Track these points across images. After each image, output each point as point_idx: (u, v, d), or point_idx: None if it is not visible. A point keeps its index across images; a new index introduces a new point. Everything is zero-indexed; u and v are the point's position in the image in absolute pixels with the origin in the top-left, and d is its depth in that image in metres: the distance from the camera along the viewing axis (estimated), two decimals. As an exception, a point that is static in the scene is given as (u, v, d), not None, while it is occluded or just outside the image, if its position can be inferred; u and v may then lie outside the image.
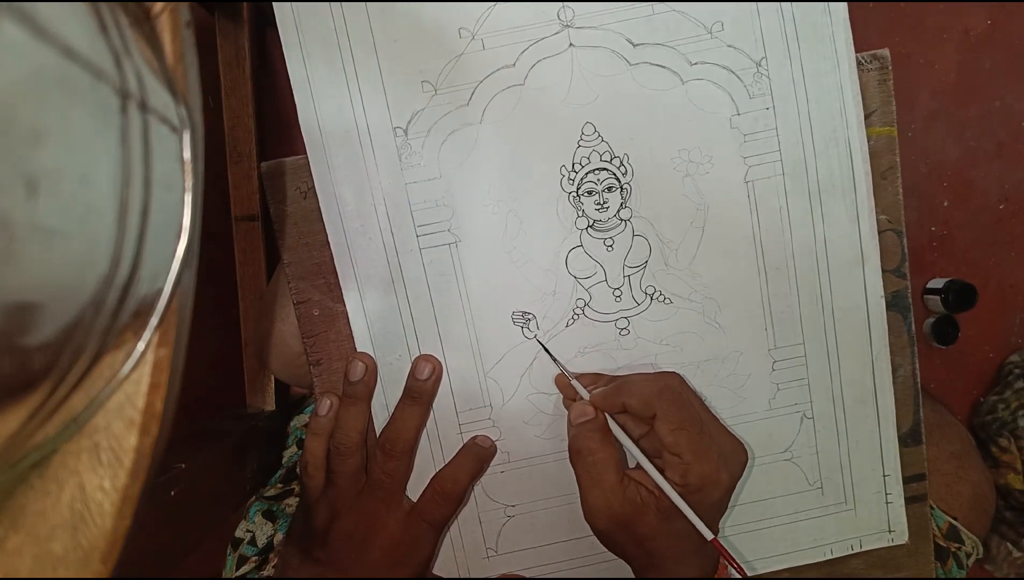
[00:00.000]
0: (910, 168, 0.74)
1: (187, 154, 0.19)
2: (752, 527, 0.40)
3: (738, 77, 0.37)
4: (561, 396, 0.39)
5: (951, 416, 0.59)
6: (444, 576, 0.40)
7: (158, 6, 0.19)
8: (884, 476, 0.40)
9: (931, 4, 0.73)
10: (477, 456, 0.38)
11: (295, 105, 0.35)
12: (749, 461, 0.37)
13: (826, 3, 0.36)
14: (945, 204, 0.76)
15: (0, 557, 0.19)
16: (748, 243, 0.38)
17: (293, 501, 0.49)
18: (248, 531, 0.46)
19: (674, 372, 0.37)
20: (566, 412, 0.39)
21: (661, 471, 0.33)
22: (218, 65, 0.56)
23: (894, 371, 0.41)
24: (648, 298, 0.38)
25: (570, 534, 0.40)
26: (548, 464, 0.39)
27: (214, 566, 0.45)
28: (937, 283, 0.75)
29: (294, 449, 0.53)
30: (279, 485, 0.49)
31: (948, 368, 0.77)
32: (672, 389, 0.34)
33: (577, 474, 0.34)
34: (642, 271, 0.38)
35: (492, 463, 0.39)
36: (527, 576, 0.40)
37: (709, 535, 0.33)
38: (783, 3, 0.36)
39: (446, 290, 0.37)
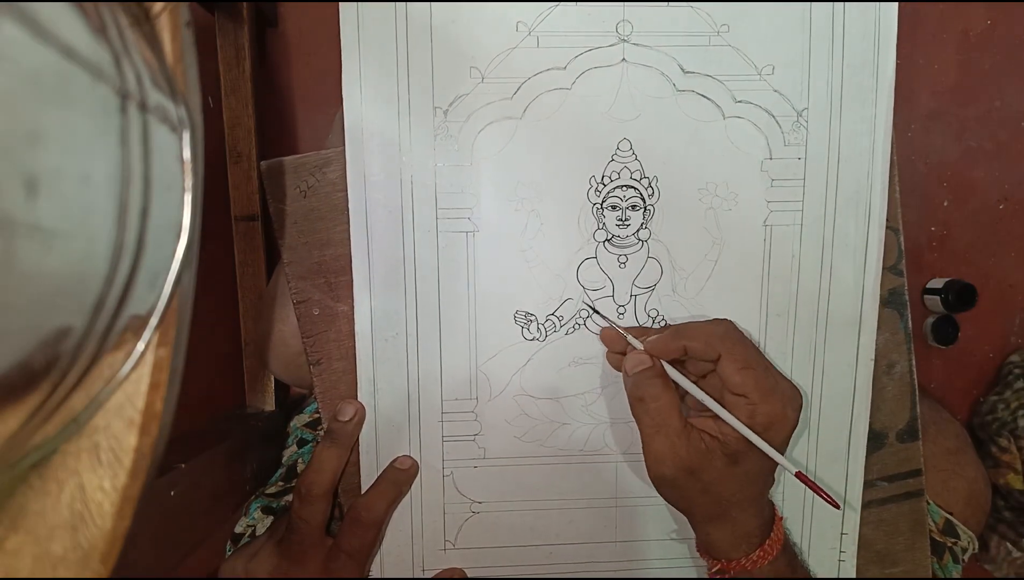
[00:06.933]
0: (910, 168, 0.74)
1: (187, 154, 0.19)
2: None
3: (778, 123, 0.37)
4: (549, 402, 0.39)
5: (947, 413, 0.59)
6: (399, 562, 0.39)
7: (158, 6, 0.19)
8: (842, 534, 0.41)
9: (931, 4, 0.73)
10: (395, 482, 0.38)
11: (296, 104, 0.35)
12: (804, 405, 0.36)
13: (875, 68, 0.37)
14: (945, 204, 0.75)
15: (0, 557, 0.19)
16: (756, 285, 0.38)
17: (293, 500, 0.49)
18: (249, 526, 0.46)
19: (727, 318, 0.36)
20: (552, 419, 0.39)
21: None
22: (218, 65, 0.56)
23: (891, 368, 0.41)
24: (650, 320, 0.39)
25: (530, 540, 0.40)
26: (522, 467, 0.39)
27: (214, 566, 0.45)
28: (937, 283, 0.74)
29: (294, 448, 0.53)
30: (280, 483, 0.49)
31: (948, 368, 0.77)
32: (736, 330, 0.34)
33: (640, 422, 0.34)
34: (649, 293, 0.38)
35: (465, 458, 0.39)
36: (475, 577, 0.40)
37: (793, 469, 0.33)
38: (835, 60, 0.37)
39: (455, 277, 0.37)
